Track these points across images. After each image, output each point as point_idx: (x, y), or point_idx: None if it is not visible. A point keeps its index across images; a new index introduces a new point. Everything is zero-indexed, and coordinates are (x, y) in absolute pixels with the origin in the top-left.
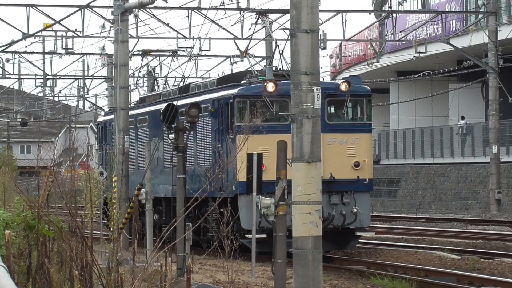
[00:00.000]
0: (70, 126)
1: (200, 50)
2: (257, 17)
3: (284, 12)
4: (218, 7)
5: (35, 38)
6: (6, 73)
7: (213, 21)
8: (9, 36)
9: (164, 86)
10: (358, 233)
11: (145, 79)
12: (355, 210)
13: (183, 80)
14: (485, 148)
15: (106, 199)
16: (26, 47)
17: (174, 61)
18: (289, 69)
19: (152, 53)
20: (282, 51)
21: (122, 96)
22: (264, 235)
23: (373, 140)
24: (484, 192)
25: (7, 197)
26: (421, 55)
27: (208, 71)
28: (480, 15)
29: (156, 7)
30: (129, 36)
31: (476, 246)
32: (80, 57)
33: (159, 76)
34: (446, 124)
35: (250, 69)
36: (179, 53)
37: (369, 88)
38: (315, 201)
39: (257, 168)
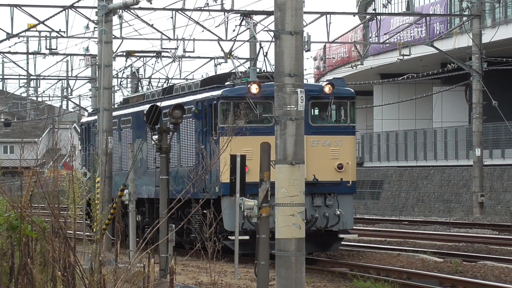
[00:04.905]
0: (53, 126)
1: (184, 51)
2: (241, 19)
3: (268, 13)
4: (202, 8)
5: (19, 38)
6: None
7: (197, 23)
8: None
9: (148, 87)
10: (341, 235)
11: (129, 80)
12: (338, 212)
13: (167, 81)
14: (469, 151)
15: (89, 200)
16: (10, 47)
17: (158, 62)
18: (273, 71)
19: (136, 54)
20: (266, 52)
21: (106, 97)
22: (247, 237)
23: (357, 142)
24: (467, 195)
25: None
26: (405, 57)
27: (192, 72)
28: (464, 18)
29: (140, 8)
30: (113, 37)
31: (458, 249)
32: (64, 58)
33: (143, 77)
34: (429, 127)
35: (234, 70)
36: (163, 54)
37: (353, 91)
38: (298, 203)
39: (240, 170)
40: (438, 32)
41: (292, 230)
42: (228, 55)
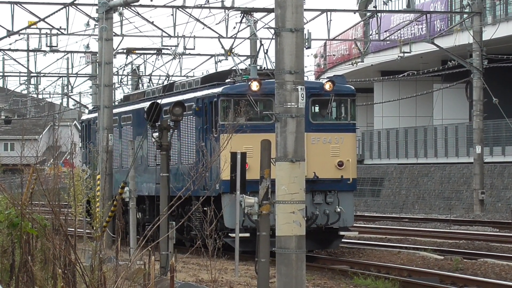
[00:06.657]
0: (54, 124)
1: (185, 48)
2: (241, 16)
3: (269, 11)
4: (202, 5)
5: (19, 35)
6: None
7: (197, 20)
8: None
9: (149, 84)
10: (342, 233)
11: (129, 77)
12: (338, 209)
13: (167, 79)
14: (469, 148)
15: (89, 197)
16: (10, 44)
17: (158, 60)
18: (274, 68)
19: (137, 51)
20: (267, 50)
21: (106, 94)
22: (247, 234)
23: (357, 139)
24: (467, 193)
25: None
26: (406, 55)
27: (192, 69)
28: (465, 15)
29: (141, 5)
30: (113, 34)
31: (459, 247)
32: (65, 55)
33: (144, 74)
34: (430, 124)
35: (234, 68)
36: (163, 51)
37: (353, 88)
38: (299, 201)
39: (240, 167)
40: (438, 29)
41: (293, 228)
42: (229, 53)
